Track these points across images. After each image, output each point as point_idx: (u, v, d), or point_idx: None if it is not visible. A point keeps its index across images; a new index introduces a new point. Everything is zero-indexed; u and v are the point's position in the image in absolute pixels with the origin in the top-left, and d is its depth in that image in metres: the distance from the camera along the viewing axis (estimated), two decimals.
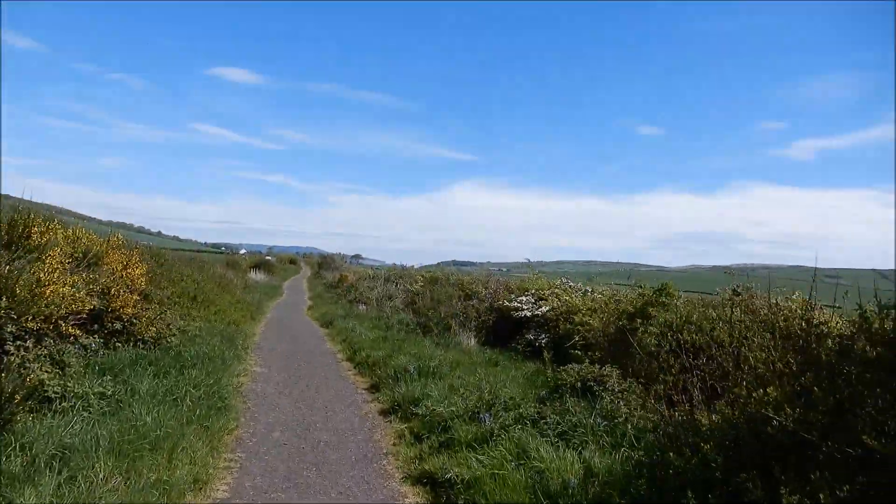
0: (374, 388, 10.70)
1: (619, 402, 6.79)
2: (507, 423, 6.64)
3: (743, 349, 4.28)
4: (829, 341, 3.91)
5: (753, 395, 3.69)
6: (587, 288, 14.35)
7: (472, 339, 14.06)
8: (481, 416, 7.00)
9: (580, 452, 5.93)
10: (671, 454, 4.17)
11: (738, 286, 8.13)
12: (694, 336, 5.11)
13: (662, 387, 4.75)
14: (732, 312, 5.82)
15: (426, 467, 6.30)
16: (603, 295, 12.26)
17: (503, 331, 14.51)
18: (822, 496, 3.14)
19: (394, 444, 7.56)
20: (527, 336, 13.20)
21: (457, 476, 5.69)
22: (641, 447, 5.27)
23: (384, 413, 9.08)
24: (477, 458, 5.97)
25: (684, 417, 4.37)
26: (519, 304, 14.30)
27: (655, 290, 9.10)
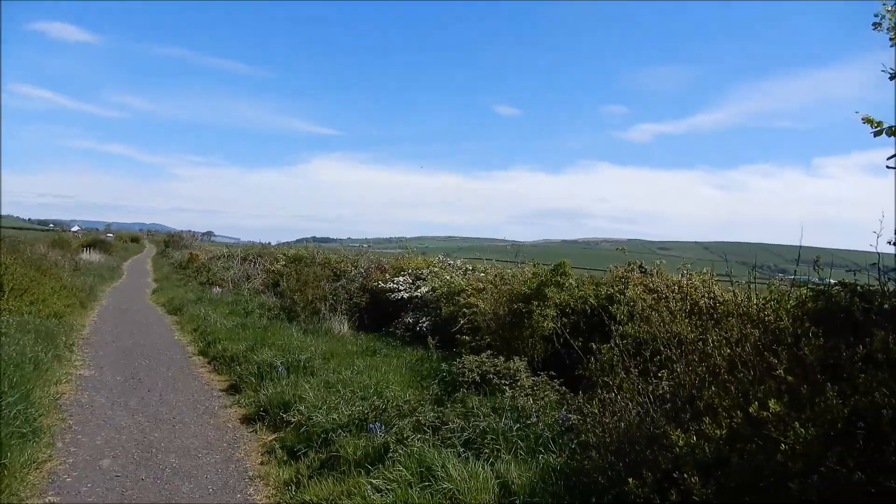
0: (233, 388, 9.16)
1: (528, 399, 5.98)
2: (403, 433, 5.58)
3: (711, 346, 3.54)
4: (813, 339, 3.26)
5: (751, 408, 2.94)
6: (468, 266, 13.62)
7: (345, 325, 12.81)
8: (371, 425, 5.88)
9: (493, 464, 5.04)
10: (631, 481, 3.34)
11: (641, 264, 7.67)
12: (639, 328, 4.37)
13: (615, 394, 3.92)
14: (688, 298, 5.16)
15: (307, 497, 5.07)
16: (487, 273, 11.54)
17: (379, 314, 13.40)
18: None
19: (262, 464, 6.22)
20: (406, 319, 12.21)
21: None
22: (574, 458, 4.44)
23: (247, 420, 7.65)
24: (372, 484, 4.86)
25: (651, 431, 3.57)
26: (395, 285, 13.25)
27: (551, 268, 8.46)
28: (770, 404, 2.91)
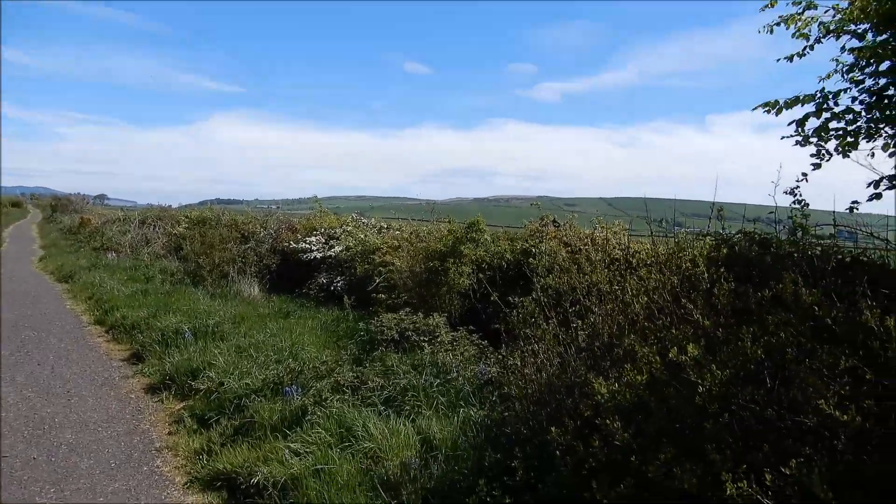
0: (135, 357, 8.60)
1: (448, 355, 5.95)
2: (322, 394, 5.41)
3: (630, 294, 3.58)
4: (725, 283, 3.35)
5: (670, 353, 2.99)
6: (383, 224, 13.38)
7: (256, 288, 12.33)
8: (287, 388, 5.66)
9: (414, 421, 5.00)
10: (553, 430, 3.36)
11: (554, 218, 7.76)
12: (560, 279, 4.37)
13: (537, 345, 3.92)
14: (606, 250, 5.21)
15: (220, 466, 4.83)
16: (402, 231, 11.38)
17: (291, 276, 12.98)
18: (767, 477, 2.53)
19: (170, 434, 5.89)
20: (320, 280, 11.90)
21: (267, 479, 4.35)
22: (496, 410, 4.45)
23: (152, 390, 7.21)
24: (290, 448, 4.69)
25: (572, 381, 3.59)
26: (307, 246, 12.84)
27: (466, 225, 8.42)
28: (688, 349, 2.97)
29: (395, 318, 6.76)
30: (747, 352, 2.87)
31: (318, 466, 4.35)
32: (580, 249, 6.76)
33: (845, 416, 2.50)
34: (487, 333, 6.63)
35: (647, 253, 4.24)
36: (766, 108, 5.07)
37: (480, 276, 8.20)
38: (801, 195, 5.03)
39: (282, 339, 7.91)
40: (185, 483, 4.88)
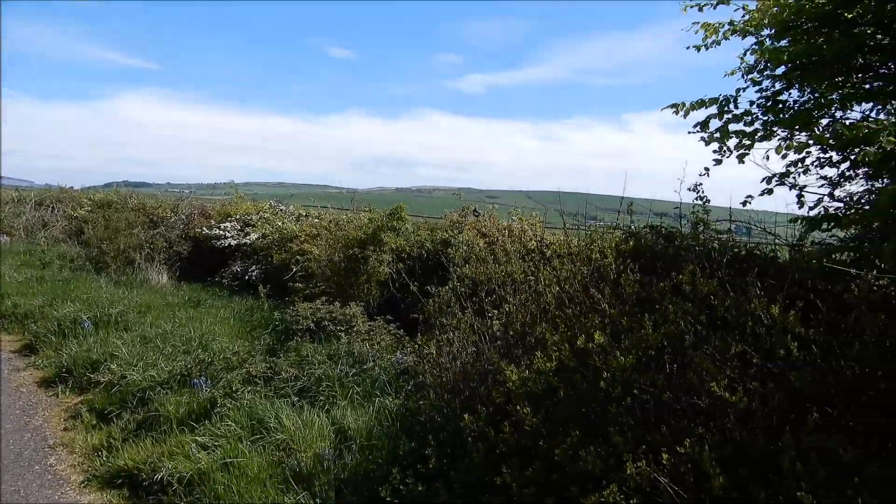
0: (28, 349, 8.02)
1: (364, 344, 5.91)
2: (232, 386, 5.24)
3: (542, 284, 3.67)
4: (631, 273, 3.50)
5: (578, 341, 3.09)
6: (302, 212, 13.07)
7: (164, 275, 11.77)
8: (195, 380, 5.45)
9: (328, 411, 4.94)
10: (466, 417, 3.41)
11: (475, 208, 7.83)
12: (476, 269, 4.42)
13: (452, 334, 3.95)
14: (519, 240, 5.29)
15: (121, 463, 4.59)
16: (322, 219, 11.17)
17: (204, 263, 12.47)
18: (664, 456, 2.67)
19: (65, 430, 5.54)
20: (234, 268, 11.50)
21: (172, 475, 4.17)
22: (411, 399, 4.47)
23: (46, 384, 6.75)
24: (198, 442, 4.52)
25: (486, 368, 3.64)
26: (221, 232, 12.37)
27: (387, 213, 8.36)
28: (595, 336, 3.09)
29: (311, 308, 6.64)
30: (649, 339, 3.01)
31: (227, 460, 4.22)
32: (498, 240, 6.87)
33: (734, 398, 2.68)
34: (406, 323, 6.63)
35: (559, 244, 4.36)
36: (674, 110, 5.31)
37: (400, 265, 8.18)
38: (702, 192, 5.31)
39: (191, 328, 7.59)
40: (82, 481, 4.61)
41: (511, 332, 3.97)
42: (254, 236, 11.72)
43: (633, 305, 3.45)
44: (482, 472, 3.23)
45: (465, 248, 5.88)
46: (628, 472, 2.66)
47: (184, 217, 14.42)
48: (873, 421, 2.55)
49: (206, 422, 4.81)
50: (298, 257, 9.69)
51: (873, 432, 2.51)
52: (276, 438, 4.51)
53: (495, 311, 4.05)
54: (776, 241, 5.14)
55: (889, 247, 3.46)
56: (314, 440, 4.51)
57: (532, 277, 3.91)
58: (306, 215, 12.78)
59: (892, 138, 3.44)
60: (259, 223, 12.20)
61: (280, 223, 11.84)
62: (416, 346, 4.63)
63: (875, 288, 2.97)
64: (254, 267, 11.15)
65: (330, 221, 10.39)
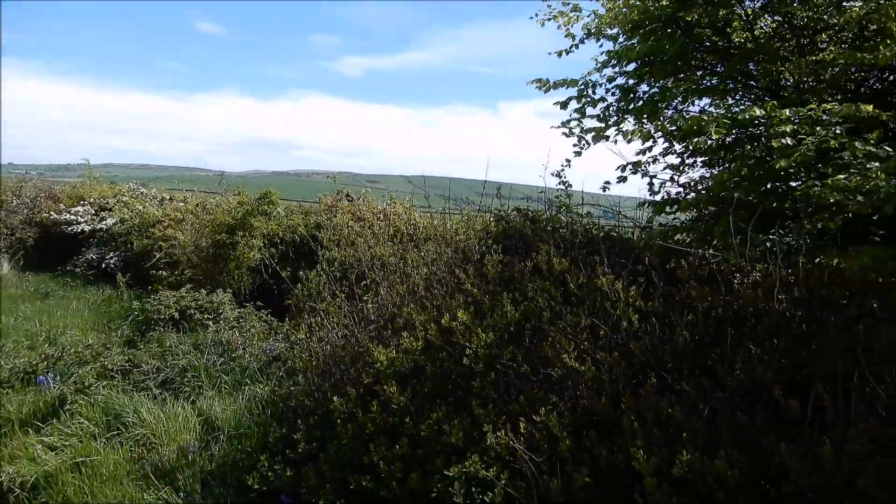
0: None
1: (233, 332, 5.71)
2: (85, 381, 4.87)
3: (410, 266, 3.74)
4: (494, 255, 3.66)
5: (443, 320, 3.19)
6: (165, 195, 12.28)
7: (5, 265, 10.65)
8: (41, 377, 5.00)
9: (194, 402, 4.74)
10: (336, 399, 3.42)
11: (348, 192, 7.77)
12: (345, 253, 4.39)
13: (322, 318, 3.91)
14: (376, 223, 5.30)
15: None
16: (187, 203, 10.57)
17: (52, 252, 11.40)
18: (521, 425, 2.84)
19: None
20: (88, 256, 10.61)
21: (13, 480, 3.82)
22: (282, 385, 4.39)
23: None
24: (45, 443, 4.17)
25: (356, 351, 3.65)
26: (73, 217, 11.35)
27: (257, 197, 8.08)
28: (459, 315, 3.21)
29: (174, 296, 6.29)
30: (508, 316, 3.17)
31: (79, 460, 3.94)
32: (372, 224, 6.88)
33: (583, 367, 2.90)
34: (281, 309, 6.49)
35: (427, 228, 4.46)
36: (538, 85, 5.57)
37: (273, 250, 7.96)
38: (565, 177, 5.64)
39: (38, 322, 6.94)
40: None
41: (381, 314, 4.02)
42: (110, 221, 10.87)
43: (496, 285, 3.61)
44: (351, 453, 3.26)
45: (332, 231, 5.83)
46: (489, 442, 2.80)
47: (28, 201, 13.07)
48: (700, 383, 2.87)
49: (55, 420, 4.45)
50: (162, 243, 9.13)
51: (700, 394, 2.82)
52: (136, 433, 4.27)
53: (366, 294, 4.07)
54: (634, 223, 5.59)
55: (718, 228, 3.87)
56: (178, 433, 4.32)
57: (401, 260, 3.97)
58: (170, 199, 12.04)
59: (720, 129, 3.84)
60: (117, 207, 11.33)
61: (141, 207, 11.07)
62: (286, 331, 4.55)
63: (705, 265, 3.33)
64: (112, 254, 10.35)
65: (196, 205, 9.87)
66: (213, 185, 11.79)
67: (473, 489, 2.76)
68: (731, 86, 5.47)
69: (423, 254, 3.92)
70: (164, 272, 8.45)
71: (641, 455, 2.37)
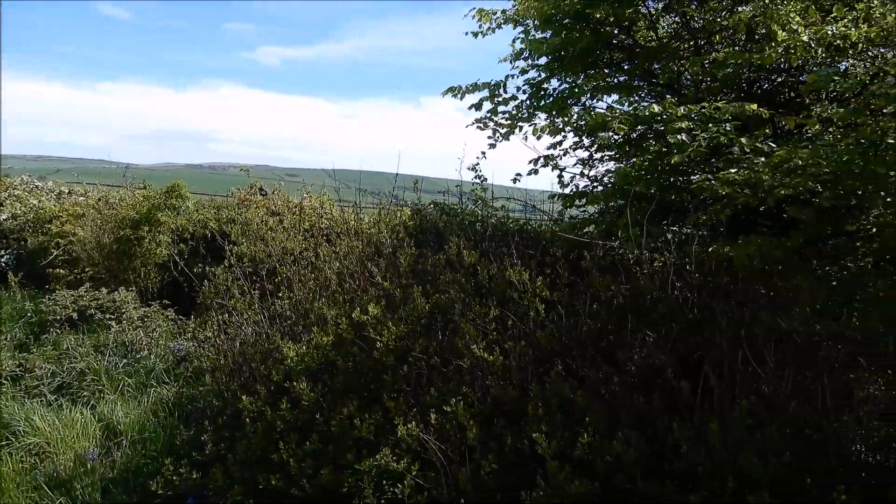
0: None
1: (138, 332, 5.44)
2: None
3: (322, 260, 3.68)
4: (407, 249, 3.67)
5: (353, 315, 3.15)
6: (64, 189, 11.49)
7: None
8: None
9: (94, 407, 4.49)
10: (244, 398, 3.33)
11: (261, 186, 7.56)
12: (254, 247, 4.25)
13: (230, 316, 3.78)
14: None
15: None
16: (89, 198, 9.95)
17: None
18: (432, 416, 2.86)
19: None
20: None
21: None
22: (189, 386, 4.24)
23: None
24: None
25: (266, 348, 3.56)
26: None
27: (164, 191, 7.72)
28: (370, 309, 3.19)
29: (72, 295, 5.92)
30: (418, 309, 3.19)
31: None
32: (286, 218, 6.73)
33: (491, 357, 2.95)
34: (191, 308, 6.24)
35: (339, 222, 4.41)
36: (453, 93, 5.63)
37: (182, 246, 7.63)
38: (480, 171, 5.72)
39: None
40: None
41: (293, 310, 3.94)
42: (1, 217, 10.08)
43: (408, 278, 3.62)
44: (261, 452, 3.19)
45: (241, 226, 5.66)
46: (399, 434, 2.81)
47: None
48: (603, 369, 2.98)
49: None
50: (59, 240, 8.56)
51: (602, 379, 2.93)
52: (28, 443, 4.00)
53: (277, 290, 3.98)
54: (548, 216, 5.73)
55: (621, 220, 4.04)
56: (76, 440, 4.08)
57: (313, 254, 3.91)
58: (69, 193, 11.29)
59: (622, 126, 4.00)
60: (8, 202, 10.50)
61: (36, 202, 10.32)
62: (192, 330, 4.39)
63: (607, 255, 3.46)
64: (2, 252, 9.61)
65: (98, 200, 9.31)
66: (120, 179, 11.15)
67: (384, 482, 2.76)
68: (638, 83, 5.71)
69: (335, 248, 3.87)
70: (61, 270, 7.94)
71: (544, 440, 2.45)
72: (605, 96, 5.83)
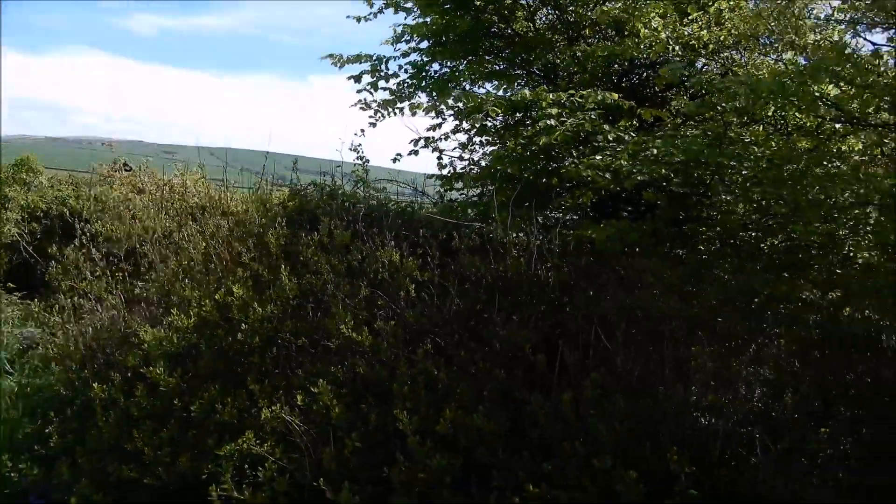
0: None
1: None
2: None
3: (185, 239, 3.48)
4: (278, 229, 3.57)
5: (216, 296, 3.02)
6: None
7: None
8: None
9: None
10: (96, 386, 3.11)
11: (125, 162, 7.05)
12: (111, 226, 3.93)
13: (82, 300, 3.48)
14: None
15: None
16: None
17: None
18: (299, 398, 2.82)
19: None
20: None
21: None
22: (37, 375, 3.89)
23: None
24: None
25: (123, 332, 3.33)
26: None
27: (13, 164, 7.01)
28: (234, 289, 3.07)
29: None
30: (287, 290, 3.12)
31: None
32: (154, 196, 6.32)
33: (360, 337, 2.94)
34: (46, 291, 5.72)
35: (207, 199, 4.21)
36: (333, 61, 5.50)
37: (35, 225, 6.98)
38: (362, 152, 5.64)
39: None
40: None
41: (157, 293, 3.72)
42: None
43: (279, 259, 3.52)
44: (113, 441, 2.99)
45: (94, 202, 5.27)
46: (263, 417, 2.74)
47: None
48: (470, 347, 3.06)
49: None
50: None
51: (470, 356, 3.01)
52: None
53: (136, 271, 3.73)
54: (430, 198, 5.78)
55: (493, 202, 4.15)
56: None
57: (177, 234, 3.70)
58: None
59: (496, 109, 4.10)
60: None
61: None
62: (37, 314, 4.03)
63: (477, 236, 3.55)
64: None
65: None
66: None
67: (246, 467, 2.69)
68: (517, 72, 5.87)
69: (201, 227, 3.68)
70: None
71: (405, 416, 2.48)
72: (485, 82, 5.95)
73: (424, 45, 5.60)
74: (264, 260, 3.46)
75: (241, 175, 6.66)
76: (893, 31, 4.08)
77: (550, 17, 5.75)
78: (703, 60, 5.11)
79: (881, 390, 2.95)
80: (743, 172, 3.64)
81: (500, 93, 5.72)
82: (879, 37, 4.10)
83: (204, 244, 3.60)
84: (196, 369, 3.12)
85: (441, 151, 5.47)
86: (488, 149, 5.59)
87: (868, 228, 3.54)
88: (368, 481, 2.58)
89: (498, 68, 5.90)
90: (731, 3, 4.47)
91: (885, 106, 3.77)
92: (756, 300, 3.45)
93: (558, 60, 5.15)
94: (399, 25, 5.63)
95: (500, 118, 5.15)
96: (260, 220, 3.59)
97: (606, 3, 4.94)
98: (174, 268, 3.52)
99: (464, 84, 5.65)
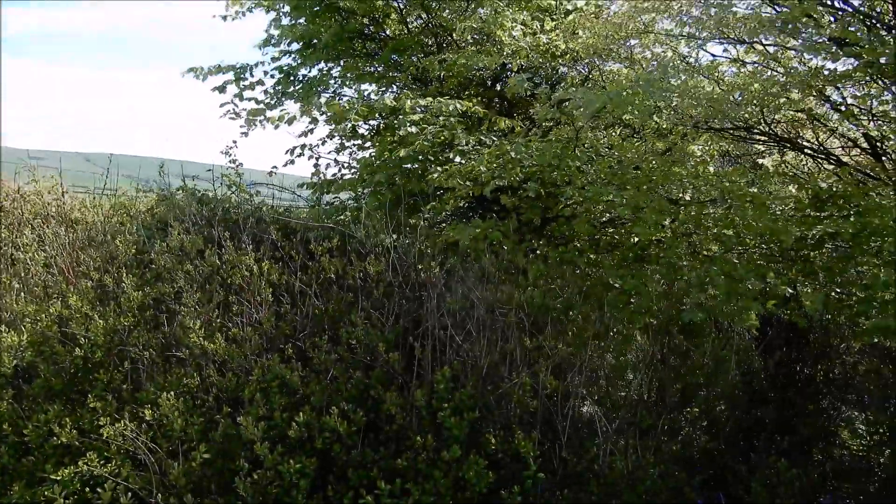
0: None
1: None
2: None
3: (23, 250, 3.23)
4: (128, 236, 3.40)
5: (52, 309, 2.81)
6: None
7: None
8: None
9: None
10: None
11: None
12: None
13: None
14: None
15: None
16: None
17: None
18: (147, 412, 2.69)
19: None
20: None
21: None
22: None
23: None
24: None
25: None
26: None
27: None
28: (72, 301, 2.89)
29: None
30: (132, 299, 2.97)
31: None
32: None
33: (213, 345, 2.86)
34: None
35: (49, 206, 3.94)
36: (195, 74, 5.31)
37: None
38: (235, 157, 5.47)
39: None
40: None
41: None
42: None
43: (130, 267, 3.35)
44: None
45: None
46: (106, 434, 2.59)
47: None
48: (329, 348, 3.05)
49: None
50: None
51: (329, 358, 3.00)
52: None
53: None
54: (306, 202, 5.70)
55: (368, 206, 4.19)
56: None
57: (10, 245, 3.42)
58: None
59: (358, 117, 4.12)
60: None
61: None
62: None
63: (337, 240, 3.57)
64: None
65: None
66: None
67: (87, 490, 2.54)
68: (393, 74, 5.91)
69: (41, 235, 3.43)
70: None
71: (250, 421, 2.45)
72: (361, 85, 5.94)
73: (296, 47, 5.53)
74: (111, 269, 3.28)
75: (122, 182, 6.29)
76: (727, 43, 4.49)
77: (422, 19, 5.85)
78: (564, 68, 5.40)
79: (720, 370, 3.29)
80: (591, 175, 3.88)
81: (377, 95, 5.73)
82: (717, 48, 4.50)
83: (44, 253, 3.35)
84: (30, 390, 2.90)
85: (318, 157, 5.43)
86: (360, 154, 5.62)
87: (710, 223, 3.85)
88: (219, 493, 2.52)
89: (373, 70, 5.92)
90: (582, 19, 4.76)
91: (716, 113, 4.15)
92: (609, 294, 3.69)
93: (426, 65, 5.26)
94: (272, 25, 5.52)
95: (370, 122, 5.19)
96: (109, 227, 3.40)
97: (471, 12, 5.09)
98: (6, 280, 3.25)
99: (335, 87, 5.63)
